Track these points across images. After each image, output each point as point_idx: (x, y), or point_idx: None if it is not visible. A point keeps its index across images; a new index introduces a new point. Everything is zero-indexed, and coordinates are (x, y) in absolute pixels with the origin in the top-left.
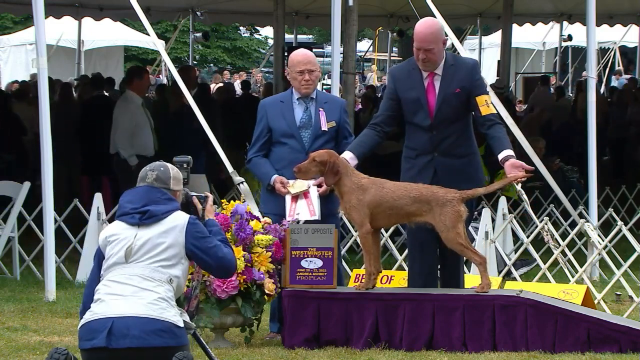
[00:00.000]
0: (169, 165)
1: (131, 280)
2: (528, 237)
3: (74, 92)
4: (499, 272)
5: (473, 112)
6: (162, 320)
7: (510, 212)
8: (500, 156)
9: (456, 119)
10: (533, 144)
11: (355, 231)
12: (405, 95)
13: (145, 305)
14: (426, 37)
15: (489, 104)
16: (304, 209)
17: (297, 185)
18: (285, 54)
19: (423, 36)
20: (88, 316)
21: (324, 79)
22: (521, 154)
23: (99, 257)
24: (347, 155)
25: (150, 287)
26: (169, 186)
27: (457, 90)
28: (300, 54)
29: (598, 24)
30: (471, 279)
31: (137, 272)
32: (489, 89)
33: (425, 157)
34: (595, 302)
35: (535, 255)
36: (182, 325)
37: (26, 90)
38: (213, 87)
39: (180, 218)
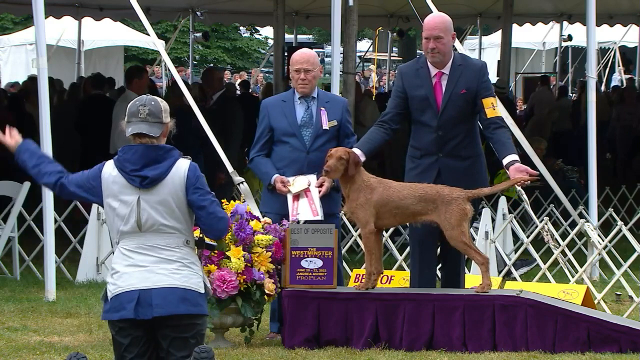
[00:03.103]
0: (157, 98)
1: (151, 251)
2: (528, 237)
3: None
4: (499, 272)
5: (478, 114)
6: (185, 289)
7: (510, 212)
8: (505, 160)
9: (462, 120)
10: (534, 144)
11: (356, 231)
12: (414, 93)
13: (167, 275)
14: (436, 25)
15: (495, 106)
16: (305, 208)
17: (297, 184)
18: (285, 54)
19: (433, 24)
20: (112, 289)
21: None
22: (523, 155)
23: (96, 180)
24: (355, 152)
25: (169, 256)
26: (161, 120)
27: (463, 91)
28: (299, 53)
29: (598, 24)
30: (472, 279)
31: (154, 241)
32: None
33: (430, 157)
34: (595, 302)
35: (535, 255)
36: (203, 291)
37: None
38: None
39: (180, 171)
